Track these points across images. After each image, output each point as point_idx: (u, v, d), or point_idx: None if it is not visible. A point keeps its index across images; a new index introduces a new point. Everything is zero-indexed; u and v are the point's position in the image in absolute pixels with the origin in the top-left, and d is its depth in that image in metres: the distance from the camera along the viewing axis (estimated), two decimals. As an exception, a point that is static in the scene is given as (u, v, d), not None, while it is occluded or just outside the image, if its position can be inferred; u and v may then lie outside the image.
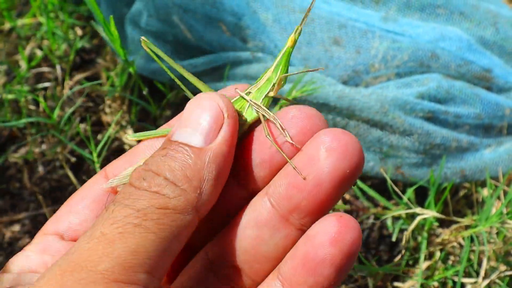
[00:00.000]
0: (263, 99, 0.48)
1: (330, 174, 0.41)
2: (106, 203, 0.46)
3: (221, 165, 0.41)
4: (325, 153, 0.41)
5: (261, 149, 0.45)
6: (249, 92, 0.48)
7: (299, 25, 0.48)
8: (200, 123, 0.42)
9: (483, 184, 0.96)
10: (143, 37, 0.49)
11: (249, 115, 0.47)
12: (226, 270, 0.47)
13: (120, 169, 0.48)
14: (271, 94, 0.48)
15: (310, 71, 0.50)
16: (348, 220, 0.41)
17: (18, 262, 0.45)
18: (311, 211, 0.43)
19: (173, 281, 0.50)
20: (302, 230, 0.44)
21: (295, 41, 0.48)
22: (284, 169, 0.44)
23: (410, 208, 0.85)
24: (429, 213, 0.82)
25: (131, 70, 0.82)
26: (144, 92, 0.91)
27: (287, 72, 0.48)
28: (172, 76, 0.51)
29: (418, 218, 0.82)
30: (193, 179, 0.40)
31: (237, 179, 0.46)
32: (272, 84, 0.48)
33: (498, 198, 0.92)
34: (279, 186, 0.44)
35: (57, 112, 0.92)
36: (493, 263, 0.89)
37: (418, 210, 0.83)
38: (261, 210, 0.45)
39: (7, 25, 1.17)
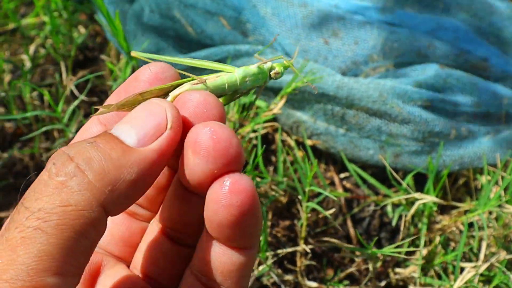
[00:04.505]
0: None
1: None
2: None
3: (144, 171, 0.39)
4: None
5: None
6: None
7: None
8: (140, 124, 0.40)
9: (482, 172, 0.97)
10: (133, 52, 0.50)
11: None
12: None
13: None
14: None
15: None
16: (236, 183, 0.40)
17: None
18: None
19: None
20: None
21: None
22: None
23: (409, 194, 0.86)
24: (428, 198, 0.84)
25: (134, 63, 0.84)
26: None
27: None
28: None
29: (417, 203, 0.83)
30: (108, 174, 0.37)
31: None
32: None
33: (496, 183, 0.93)
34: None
35: (61, 105, 0.93)
36: (493, 249, 0.90)
37: (417, 195, 0.84)
38: None
39: (11, 25, 1.19)
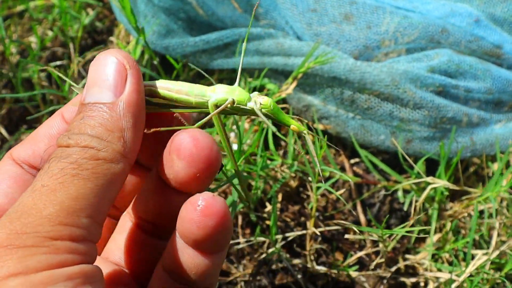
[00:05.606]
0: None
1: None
2: (41, 162, 0.48)
3: (136, 113, 0.43)
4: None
5: None
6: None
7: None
8: (105, 80, 0.43)
9: (493, 159, 0.96)
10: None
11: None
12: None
13: (26, 153, 0.49)
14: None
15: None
16: (209, 206, 0.44)
17: None
18: None
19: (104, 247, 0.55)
20: None
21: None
22: None
23: (421, 178, 0.85)
24: (440, 182, 0.83)
25: (141, 37, 0.83)
26: (155, 62, 0.92)
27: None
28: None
29: (429, 187, 0.82)
30: (114, 131, 0.42)
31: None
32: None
33: (508, 169, 0.92)
34: None
35: (68, 85, 0.92)
36: (503, 238, 0.89)
37: (429, 179, 0.83)
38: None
39: (19, 8, 1.19)
